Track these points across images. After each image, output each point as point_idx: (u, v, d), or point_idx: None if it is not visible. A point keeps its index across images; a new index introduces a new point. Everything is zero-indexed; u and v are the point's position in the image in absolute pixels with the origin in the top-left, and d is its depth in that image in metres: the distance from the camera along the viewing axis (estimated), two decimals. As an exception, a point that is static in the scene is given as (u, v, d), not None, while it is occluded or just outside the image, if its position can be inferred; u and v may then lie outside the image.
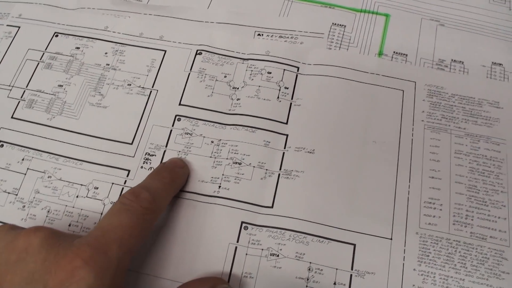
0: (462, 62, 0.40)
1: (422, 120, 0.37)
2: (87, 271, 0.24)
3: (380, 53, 0.40)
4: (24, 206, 0.35)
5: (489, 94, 0.38)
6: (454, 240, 0.33)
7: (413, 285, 0.32)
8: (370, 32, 0.41)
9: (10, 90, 0.39)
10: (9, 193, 0.36)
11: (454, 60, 0.40)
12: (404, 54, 0.40)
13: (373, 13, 0.42)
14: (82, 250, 0.25)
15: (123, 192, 0.35)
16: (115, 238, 0.26)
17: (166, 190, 0.32)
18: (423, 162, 0.36)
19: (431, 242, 0.33)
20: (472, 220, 0.34)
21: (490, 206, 0.34)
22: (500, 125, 0.37)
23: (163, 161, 0.36)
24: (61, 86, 0.39)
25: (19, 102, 0.39)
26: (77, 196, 0.35)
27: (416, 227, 0.33)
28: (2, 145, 0.37)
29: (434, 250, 0.33)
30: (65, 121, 0.38)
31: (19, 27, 0.42)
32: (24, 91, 0.39)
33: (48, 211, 0.35)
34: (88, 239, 0.26)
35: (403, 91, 0.38)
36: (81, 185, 0.35)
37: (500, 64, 0.40)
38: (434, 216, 0.34)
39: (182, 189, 0.34)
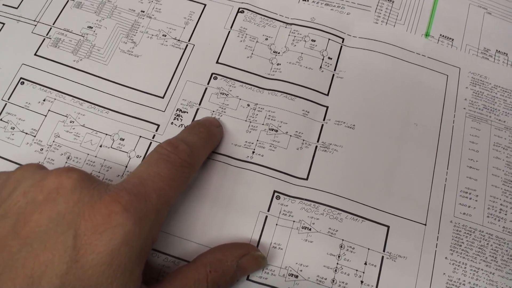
0: (506, 54, 0.39)
1: (464, 108, 0.36)
2: (125, 217, 0.22)
3: (427, 34, 0.38)
4: (42, 149, 0.33)
5: (531, 90, 0.38)
6: (487, 233, 0.32)
7: (444, 274, 0.31)
8: (418, 11, 0.39)
9: (35, 26, 0.37)
10: (26, 133, 0.33)
11: (499, 51, 0.39)
12: (450, 38, 0.39)
13: (422, -8, 0.40)
14: (121, 195, 0.23)
15: (150, 147, 0.33)
16: (154, 188, 0.25)
17: (203, 146, 0.30)
18: (462, 151, 0.35)
19: (465, 232, 0.32)
20: (505, 214, 0.33)
21: (525, 203, 0.34)
22: (540, 122, 0.36)
23: (196, 119, 0.34)
24: (90, 28, 0.37)
25: (44, 39, 0.36)
26: (100, 146, 0.33)
27: (451, 216, 0.33)
28: (23, 83, 0.35)
29: (467, 240, 0.32)
30: (93, 65, 0.35)
31: (47, -39, 0.39)
32: (51, 28, 0.36)
33: (68, 158, 0.33)
34: (126, 185, 0.24)
35: (448, 76, 0.37)
36: (106, 134, 0.33)
37: (543, 61, 0.39)
38: (469, 206, 0.33)
39: (214, 150, 0.33)
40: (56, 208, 0.22)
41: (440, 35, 0.39)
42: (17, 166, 0.32)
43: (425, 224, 0.32)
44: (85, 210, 0.22)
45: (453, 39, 0.39)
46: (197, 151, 0.29)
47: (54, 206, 0.22)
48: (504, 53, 0.39)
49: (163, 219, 0.25)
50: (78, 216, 0.22)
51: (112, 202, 0.23)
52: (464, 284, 0.31)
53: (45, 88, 0.34)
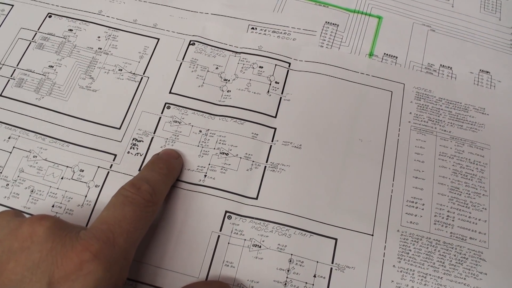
0: (451, 68, 0.41)
1: (409, 121, 0.38)
2: (96, 265, 0.24)
3: (371, 54, 0.40)
4: (8, 184, 0.35)
5: (476, 100, 0.39)
6: (434, 240, 0.34)
7: (392, 281, 0.32)
8: (362, 32, 0.41)
9: (0, 68, 0.39)
10: (-7, 170, 0.35)
11: (443, 65, 0.41)
12: (394, 56, 0.41)
13: (366, 14, 0.42)
14: (91, 243, 0.24)
15: (108, 176, 0.35)
16: (122, 232, 0.26)
17: (164, 182, 0.32)
18: (407, 162, 0.36)
19: (412, 240, 0.34)
20: (453, 220, 0.34)
21: (472, 208, 0.35)
22: (485, 130, 0.38)
23: (150, 147, 0.36)
24: (51, 67, 0.39)
25: (8, 80, 0.38)
26: (62, 178, 0.35)
27: (397, 225, 0.34)
28: (-12, 123, 0.37)
29: (414, 248, 0.33)
30: (54, 102, 0.37)
31: (12, 5, 0.42)
32: (15, 69, 0.39)
33: (32, 191, 0.34)
34: (95, 233, 0.25)
35: (392, 92, 0.39)
36: (67, 166, 0.35)
37: (487, 72, 0.41)
38: (415, 215, 0.34)
39: (168, 175, 0.35)
40: (31, 257, 0.24)
41: (384, 53, 0.41)
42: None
43: (372, 235, 0.33)
44: (58, 259, 0.24)
45: (397, 57, 0.41)
46: (158, 189, 0.30)
47: (29, 255, 0.24)
48: (449, 67, 0.41)
49: (131, 258, 0.27)
50: (52, 265, 0.23)
51: (83, 251, 0.24)
52: (412, 290, 0.32)
53: (10, 126, 0.37)
